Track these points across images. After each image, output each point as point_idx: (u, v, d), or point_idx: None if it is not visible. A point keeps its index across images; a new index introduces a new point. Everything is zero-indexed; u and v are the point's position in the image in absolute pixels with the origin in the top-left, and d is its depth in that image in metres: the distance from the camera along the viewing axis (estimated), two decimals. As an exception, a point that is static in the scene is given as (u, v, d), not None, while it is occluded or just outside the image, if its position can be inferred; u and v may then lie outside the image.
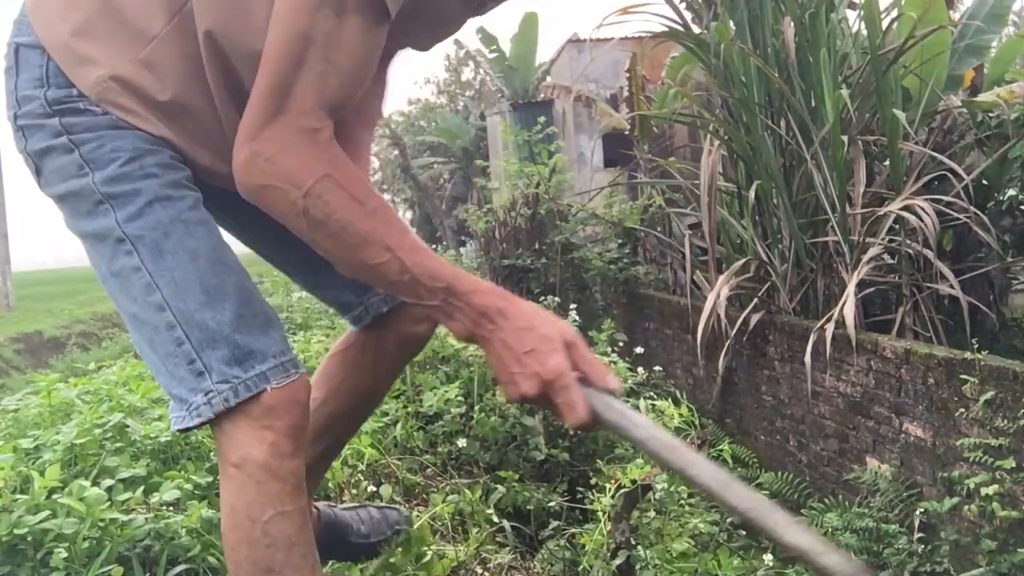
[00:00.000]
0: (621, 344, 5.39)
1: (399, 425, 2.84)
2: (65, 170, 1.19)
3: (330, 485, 2.37)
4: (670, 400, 3.10)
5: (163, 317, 1.18)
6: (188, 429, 1.21)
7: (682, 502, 2.64)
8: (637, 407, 3.48)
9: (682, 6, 6.22)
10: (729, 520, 2.70)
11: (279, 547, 1.19)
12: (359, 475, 2.44)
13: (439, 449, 2.94)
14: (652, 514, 2.52)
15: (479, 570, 2.15)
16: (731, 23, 5.32)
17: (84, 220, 1.21)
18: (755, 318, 4.99)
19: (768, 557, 2.50)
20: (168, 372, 1.20)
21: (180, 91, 1.20)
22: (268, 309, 1.25)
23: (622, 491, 2.22)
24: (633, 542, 2.23)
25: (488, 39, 15.56)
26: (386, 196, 23.62)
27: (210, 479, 2.11)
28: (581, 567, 2.28)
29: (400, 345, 1.52)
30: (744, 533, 2.91)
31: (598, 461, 2.99)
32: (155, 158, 1.19)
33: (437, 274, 1.09)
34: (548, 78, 14.11)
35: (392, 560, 1.85)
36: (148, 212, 1.18)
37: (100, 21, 1.18)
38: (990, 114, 4.91)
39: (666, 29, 5.93)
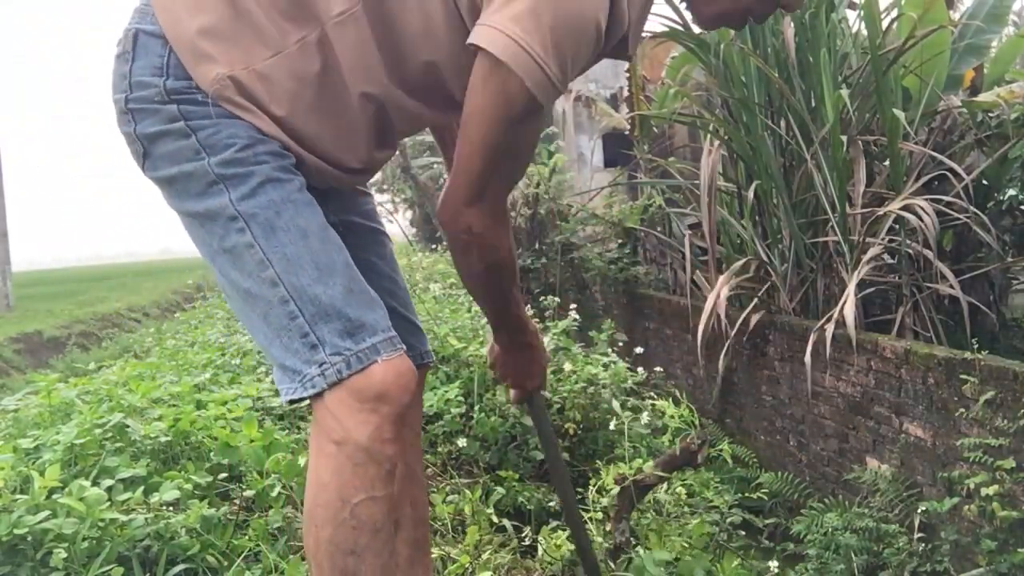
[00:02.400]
0: (621, 344, 5.38)
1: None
2: (180, 154, 1.25)
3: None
4: (670, 400, 3.10)
5: (277, 292, 1.23)
6: (300, 400, 1.24)
7: (682, 503, 2.64)
8: (638, 407, 3.47)
9: (682, 6, 6.22)
10: (729, 521, 2.70)
11: (364, 530, 1.22)
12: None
13: (439, 449, 2.95)
14: (652, 515, 2.52)
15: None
16: (731, 23, 5.31)
17: (194, 200, 1.26)
18: (755, 318, 4.99)
19: (773, 563, 2.49)
20: (282, 345, 1.24)
21: (289, 112, 1.27)
22: (371, 288, 1.31)
23: (619, 490, 2.22)
24: (633, 542, 2.23)
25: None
26: (386, 196, 23.63)
27: (210, 479, 2.12)
28: (580, 567, 2.28)
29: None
30: (744, 533, 2.91)
31: (598, 461, 2.99)
32: (266, 147, 1.26)
33: (525, 324, 1.55)
34: (548, 78, 14.07)
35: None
36: (260, 192, 1.24)
37: (228, 26, 1.24)
38: (990, 114, 4.90)
39: (666, 29, 5.93)
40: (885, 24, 5.05)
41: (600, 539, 2.30)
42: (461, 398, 3.06)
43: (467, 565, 2.13)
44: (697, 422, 2.96)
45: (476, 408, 3.07)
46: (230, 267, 1.26)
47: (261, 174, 1.24)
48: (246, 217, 1.23)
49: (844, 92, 4.71)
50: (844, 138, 4.71)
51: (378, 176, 21.75)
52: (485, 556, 2.21)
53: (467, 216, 1.27)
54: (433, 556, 2.09)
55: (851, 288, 4.20)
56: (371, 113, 1.31)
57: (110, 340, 12.10)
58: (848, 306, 4.09)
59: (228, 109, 1.24)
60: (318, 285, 1.23)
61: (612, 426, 2.99)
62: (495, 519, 2.48)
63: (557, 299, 5.53)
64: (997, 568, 2.87)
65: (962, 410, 3.24)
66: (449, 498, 2.55)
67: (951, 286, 4.32)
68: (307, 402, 1.26)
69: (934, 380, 3.48)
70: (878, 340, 3.96)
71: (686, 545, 2.37)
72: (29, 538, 1.70)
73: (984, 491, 2.97)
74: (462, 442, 2.89)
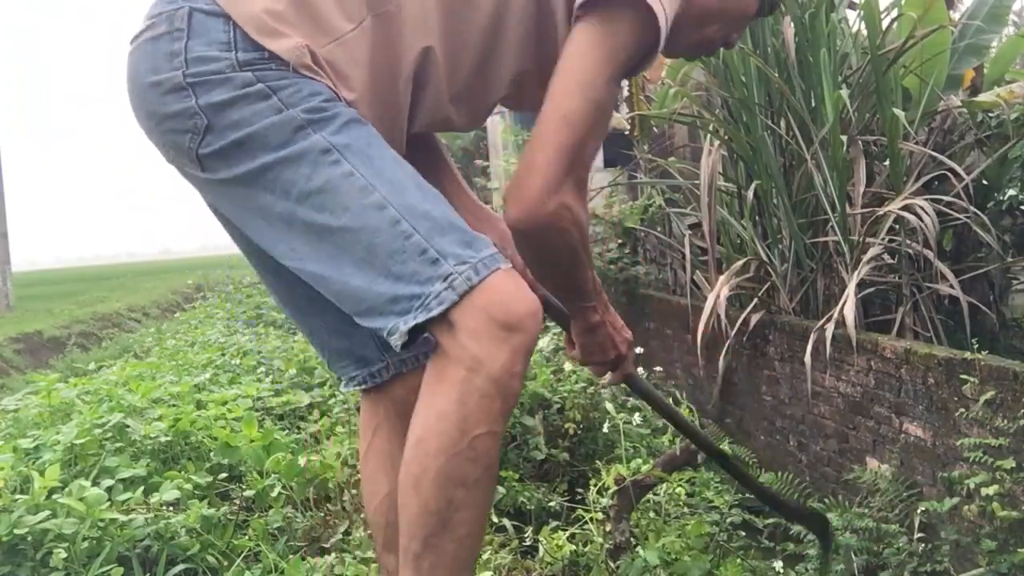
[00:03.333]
0: (621, 344, 5.37)
1: (399, 425, 2.84)
2: (258, 115, 1.22)
3: (330, 485, 2.37)
4: (670, 400, 3.10)
5: (385, 215, 1.20)
6: (424, 326, 1.19)
7: (682, 503, 2.64)
8: (637, 407, 3.47)
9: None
10: (729, 521, 2.70)
11: (480, 464, 1.18)
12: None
13: (439, 449, 2.94)
14: (652, 515, 2.52)
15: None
16: (731, 23, 5.30)
17: (273, 151, 1.22)
18: (755, 318, 4.99)
19: (778, 564, 2.49)
20: (391, 276, 1.19)
21: (354, 99, 1.28)
22: None
23: (616, 489, 2.22)
24: (633, 542, 2.23)
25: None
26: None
27: (210, 479, 2.12)
28: (581, 567, 2.28)
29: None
30: (744, 534, 2.91)
31: (598, 461, 2.99)
32: (343, 103, 1.26)
33: (598, 283, 1.44)
34: (548, 78, 14.06)
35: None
36: (347, 129, 1.23)
37: (291, 10, 1.25)
38: (990, 114, 4.90)
39: (666, 29, 5.92)
40: (885, 24, 5.05)
41: (600, 539, 2.30)
42: (461, 398, 3.05)
43: (467, 565, 2.13)
44: (697, 422, 2.96)
45: (476, 408, 3.06)
46: (316, 212, 1.21)
47: (346, 115, 1.24)
48: (340, 148, 1.21)
49: (844, 92, 4.71)
50: (844, 138, 4.71)
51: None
52: (485, 556, 2.21)
53: (562, 194, 1.21)
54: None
55: (851, 288, 4.20)
56: (411, 79, 1.31)
57: (110, 340, 12.09)
58: (848, 306, 4.09)
59: (307, 74, 1.23)
60: (426, 203, 1.22)
61: (605, 428, 3.00)
62: (495, 519, 2.48)
63: (557, 299, 5.51)
64: (997, 568, 2.87)
65: (962, 410, 3.24)
66: (449, 498, 2.54)
67: (951, 286, 4.31)
68: (398, 343, 1.20)
69: (934, 380, 3.48)
70: (878, 340, 3.95)
71: (685, 545, 2.37)
72: (29, 538, 1.70)
73: (984, 491, 2.97)
74: (462, 442, 2.88)
